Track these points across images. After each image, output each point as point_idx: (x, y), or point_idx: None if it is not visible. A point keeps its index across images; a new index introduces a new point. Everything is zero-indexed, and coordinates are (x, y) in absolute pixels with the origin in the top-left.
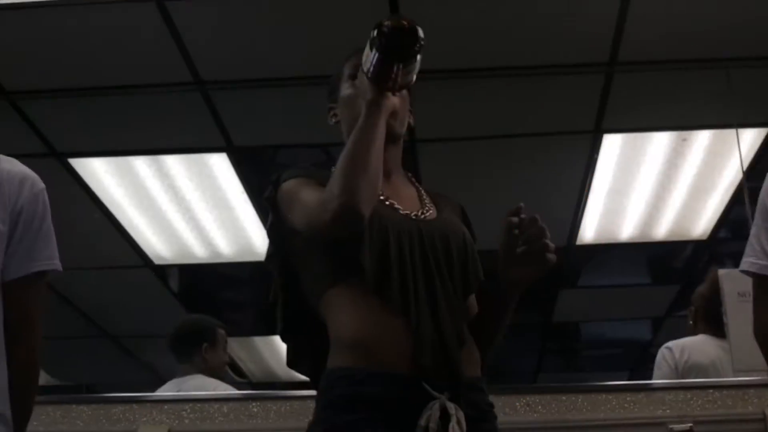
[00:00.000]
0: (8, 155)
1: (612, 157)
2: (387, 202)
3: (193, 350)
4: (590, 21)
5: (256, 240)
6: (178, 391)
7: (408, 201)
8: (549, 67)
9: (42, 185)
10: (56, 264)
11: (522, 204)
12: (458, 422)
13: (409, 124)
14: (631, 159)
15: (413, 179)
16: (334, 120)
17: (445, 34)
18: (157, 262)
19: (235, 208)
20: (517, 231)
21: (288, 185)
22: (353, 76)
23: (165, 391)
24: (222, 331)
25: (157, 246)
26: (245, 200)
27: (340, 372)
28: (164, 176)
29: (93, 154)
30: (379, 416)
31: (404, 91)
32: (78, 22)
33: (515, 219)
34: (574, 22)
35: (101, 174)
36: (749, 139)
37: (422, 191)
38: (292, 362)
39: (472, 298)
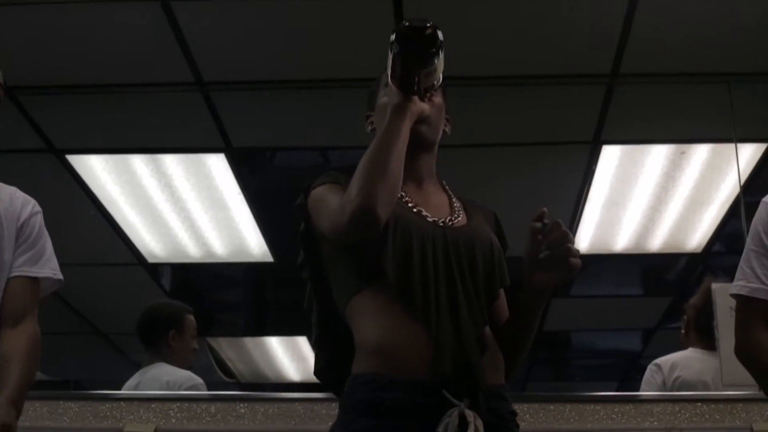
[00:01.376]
0: (8, 151)
1: (610, 169)
2: (415, 210)
3: (160, 337)
4: (593, 32)
5: (251, 241)
6: (139, 383)
7: (437, 208)
8: (550, 77)
9: (39, 209)
10: (43, 272)
11: (545, 209)
12: (476, 430)
13: (444, 132)
14: (629, 171)
15: (446, 187)
16: (370, 128)
17: (445, 41)
18: (150, 260)
19: (231, 209)
20: (540, 236)
21: (317, 192)
22: (388, 84)
23: (131, 383)
24: (191, 317)
25: (150, 244)
26: (241, 201)
27: (363, 377)
28: (161, 175)
29: (91, 151)
30: (398, 423)
31: (439, 99)
32: (80, 19)
33: (539, 224)
34: (578, 33)
35: (98, 171)
36: (747, 154)
37: (453, 199)
38: (320, 371)
39: (502, 305)
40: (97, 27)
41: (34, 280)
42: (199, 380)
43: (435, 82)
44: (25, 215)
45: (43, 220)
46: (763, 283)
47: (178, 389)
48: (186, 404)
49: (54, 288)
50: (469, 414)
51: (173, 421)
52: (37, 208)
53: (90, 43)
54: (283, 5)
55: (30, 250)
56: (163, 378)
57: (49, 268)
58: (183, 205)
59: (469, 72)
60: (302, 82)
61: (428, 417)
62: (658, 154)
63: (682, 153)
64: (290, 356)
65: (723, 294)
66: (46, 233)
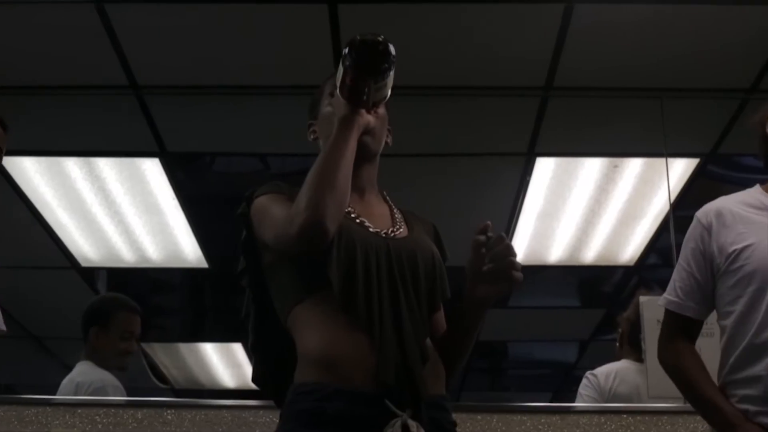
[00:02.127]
0: None
1: (544, 181)
2: (357, 220)
3: (86, 334)
4: (528, 45)
5: (185, 246)
6: (64, 384)
7: (379, 219)
8: (485, 88)
9: None
10: None
11: (489, 222)
12: None
13: (386, 143)
14: (562, 183)
15: (387, 198)
16: (312, 137)
17: None
18: (83, 264)
19: (165, 214)
20: (484, 249)
21: (260, 201)
22: (333, 94)
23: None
24: (125, 315)
25: (84, 248)
26: (176, 206)
27: (305, 387)
28: (95, 178)
29: (24, 153)
30: None
31: (382, 110)
32: (13, 19)
33: (482, 237)
34: (513, 45)
35: (31, 173)
36: (679, 169)
37: (395, 210)
38: (257, 378)
39: (441, 316)
40: (31, 28)
41: None
42: (111, 383)
43: (384, 97)
44: None
45: None
46: (679, 297)
47: (84, 392)
48: (112, 410)
49: None
50: (412, 424)
51: (99, 426)
52: None
53: (23, 44)
54: (219, 11)
55: None
56: (75, 379)
57: None
58: (117, 209)
59: (404, 82)
60: (237, 88)
61: (371, 427)
62: (592, 167)
63: (615, 167)
64: (225, 363)
65: (650, 307)
66: None
